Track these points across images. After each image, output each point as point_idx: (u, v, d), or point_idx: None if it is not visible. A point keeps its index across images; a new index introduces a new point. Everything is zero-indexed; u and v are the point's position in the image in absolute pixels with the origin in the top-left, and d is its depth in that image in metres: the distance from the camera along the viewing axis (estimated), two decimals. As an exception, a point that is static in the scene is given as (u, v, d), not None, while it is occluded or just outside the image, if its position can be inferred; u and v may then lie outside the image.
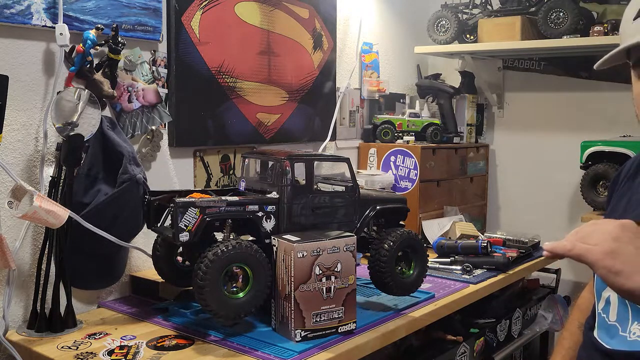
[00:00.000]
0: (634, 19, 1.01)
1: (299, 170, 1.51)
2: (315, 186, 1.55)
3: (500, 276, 2.07)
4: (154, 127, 1.81)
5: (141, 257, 1.78)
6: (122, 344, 1.41)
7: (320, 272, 1.39)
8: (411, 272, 1.61)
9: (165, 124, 1.86)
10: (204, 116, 1.96)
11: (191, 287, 1.47)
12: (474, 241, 2.17)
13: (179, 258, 1.63)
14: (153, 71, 1.81)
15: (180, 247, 1.60)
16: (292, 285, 1.36)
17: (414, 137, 2.60)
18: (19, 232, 1.53)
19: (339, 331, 1.44)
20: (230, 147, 2.08)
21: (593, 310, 1.18)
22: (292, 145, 2.27)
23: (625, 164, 1.24)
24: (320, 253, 1.38)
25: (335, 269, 1.41)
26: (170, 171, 1.90)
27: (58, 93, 1.53)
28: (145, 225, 1.57)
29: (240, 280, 1.37)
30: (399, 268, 1.59)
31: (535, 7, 2.52)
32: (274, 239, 1.43)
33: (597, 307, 1.14)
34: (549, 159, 2.87)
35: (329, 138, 2.43)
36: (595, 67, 1.11)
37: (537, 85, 2.89)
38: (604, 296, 1.12)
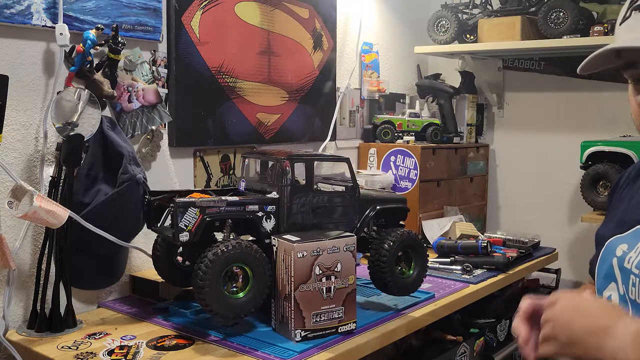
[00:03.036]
0: (620, 24, 1.04)
1: (299, 170, 1.51)
2: (315, 186, 1.55)
3: (500, 276, 2.07)
4: (154, 127, 1.81)
5: (141, 257, 1.78)
6: (122, 344, 1.41)
7: (320, 272, 1.39)
8: (411, 272, 1.61)
9: (165, 124, 1.86)
10: (204, 116, 1.96)
11: (191, 287, 1.47)
12: (474, 241, 2.18)
13: (179, 258, 1.63)
14: (153, 71, 1.81)
15: (180, 247, 1.60)
16: (292, 285, 1.36)
17: (414, 137, 2.60)
18: (19, 232, 1.53)
19: (339, 331, 1.44)
20: (230, 147, 2.08)
21: None
22: (292, 145, 2.28)
23: (628, 168, 1.26)
24: (320, 253, 1.39)
25: (335, 269, 1.41)
26: (170, 171, 1.90)
27: (58, 93, 1.53)
28: (145, 225, 1.57)
29: (240, 280, 1.37)
30: (399, 268, 1.59)
31: (535, 7, 2.52)
32: (274, 239, 1.43)
33: None
34: (549, 159, 2.87)
35: (329, 138, 2.43)
36: (578, 70, 1.11)
37: (537, 85, 2.89)
38: (605, 295, 1.12)
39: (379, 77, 2.72)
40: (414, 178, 2.49)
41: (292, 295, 1.37)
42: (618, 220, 1.15)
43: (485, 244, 2.12)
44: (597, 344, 0.87)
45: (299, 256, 1.36)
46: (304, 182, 1.51)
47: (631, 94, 1.07)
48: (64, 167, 1.50)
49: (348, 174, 1.61)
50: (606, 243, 1.14)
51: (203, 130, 1.96)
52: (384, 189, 2.41)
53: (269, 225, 1.47)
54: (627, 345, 0.84)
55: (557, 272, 2.60)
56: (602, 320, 0.89)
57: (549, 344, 0.94)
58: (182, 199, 1.38)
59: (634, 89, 1.06)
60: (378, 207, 1.62)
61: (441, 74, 2.80)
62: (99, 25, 1.58)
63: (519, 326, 1.01)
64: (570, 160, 2.61)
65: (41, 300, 1.49)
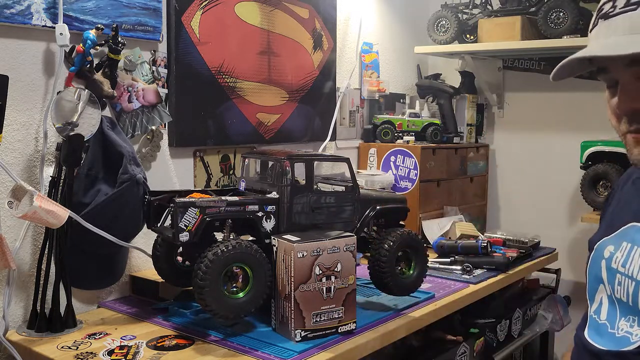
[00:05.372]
0: (590, 31, 1.09)
1: (299, 170, 1.51)
2: (315, 186, 1.55)
3: (500, 276, 2.06)
4: (154, 127, 1.81)
5: (141, 257, 1.78)
6: (122, 344, 1.41)
7: (320, 272, 1.39)
8: (411, 272, 1.61)
9: (165, 124, 1.86)
10: (204, 116, 1.96)
11: (191, 287, 1.47)
12: (474, 241, 2.17)
13: (179, 258, 1.63)
14: (153, 71, 1.81)
15: (180, 247, 1.60)
16: (292, 285, 1.36)
17: (414, 137, 2.60)
18: (19, 232, 1.53)
19: (339, 331, 1.44)
20: (230, 147, 2.08)
21: (585, 315, 1.20)
22: (292, 145, 2.27)
23: (620, 179, 1.29)
24: (320, 253, 1.38)
25: (335, 269, 1.41)
26: (170, 171, 1.90)
27: (58, 93, 1.53)
28: (145, 225, 1.57)
29: (240, 280, 1.37)
30: (399, 268, 1.59)
31: (535, 7, 2.52)
32: (274, 239, 1.43)
33: (590, 310, 1.17)
34: (549, 159, 2.87)
35: (329, 138, 2.43)
36: (551, 77, 1.12)
37: (537, 85, 2.89)
38: (597, 298, 1.14)
39: (379, 77, 2.72)
40: (414, 178, 2.49)
41: (292, 295, 1.37)
42: (607, 224, 1.17)
43: (485, 244, 2.12)
44: None
45: (299, 256, 1.36)
46: (304, 182, 1.51)
47: (607, 98, 1.09)
48: (64, 167, 1.50)
49: (348, 174, 1.61)
50: (595, 246, 1.17)
51: (203, 130, 1.96)
52: (384, 189, 2.41)
53: (269, 225, 1.47)
54: None
55: (557, 272, 2.60)
56: None
57: None
58: (182, 199, 1.38)
59: (608, 93, 1.08)
60: (378, 207, 1.62)
61: (441, 74, 2.80)
62: (99, 25, 1.58)
63: None
64: (570, 160, 2.60)
65: (41, 300, 1.49)
